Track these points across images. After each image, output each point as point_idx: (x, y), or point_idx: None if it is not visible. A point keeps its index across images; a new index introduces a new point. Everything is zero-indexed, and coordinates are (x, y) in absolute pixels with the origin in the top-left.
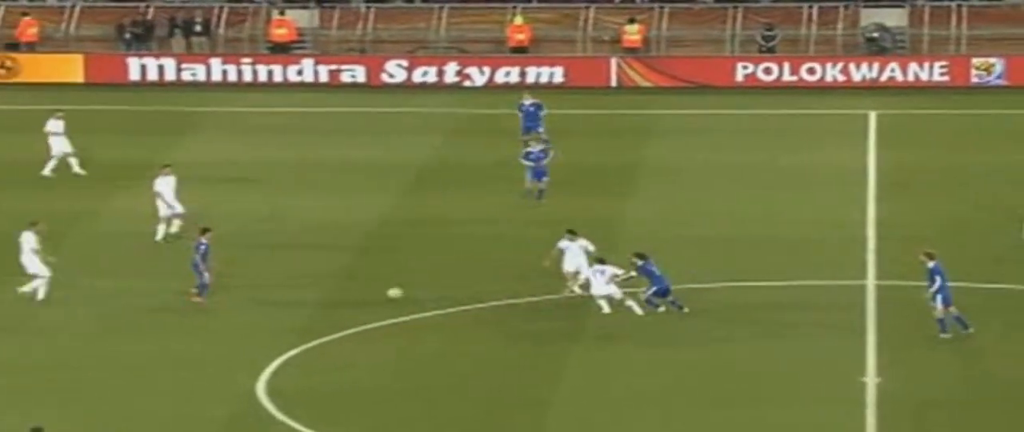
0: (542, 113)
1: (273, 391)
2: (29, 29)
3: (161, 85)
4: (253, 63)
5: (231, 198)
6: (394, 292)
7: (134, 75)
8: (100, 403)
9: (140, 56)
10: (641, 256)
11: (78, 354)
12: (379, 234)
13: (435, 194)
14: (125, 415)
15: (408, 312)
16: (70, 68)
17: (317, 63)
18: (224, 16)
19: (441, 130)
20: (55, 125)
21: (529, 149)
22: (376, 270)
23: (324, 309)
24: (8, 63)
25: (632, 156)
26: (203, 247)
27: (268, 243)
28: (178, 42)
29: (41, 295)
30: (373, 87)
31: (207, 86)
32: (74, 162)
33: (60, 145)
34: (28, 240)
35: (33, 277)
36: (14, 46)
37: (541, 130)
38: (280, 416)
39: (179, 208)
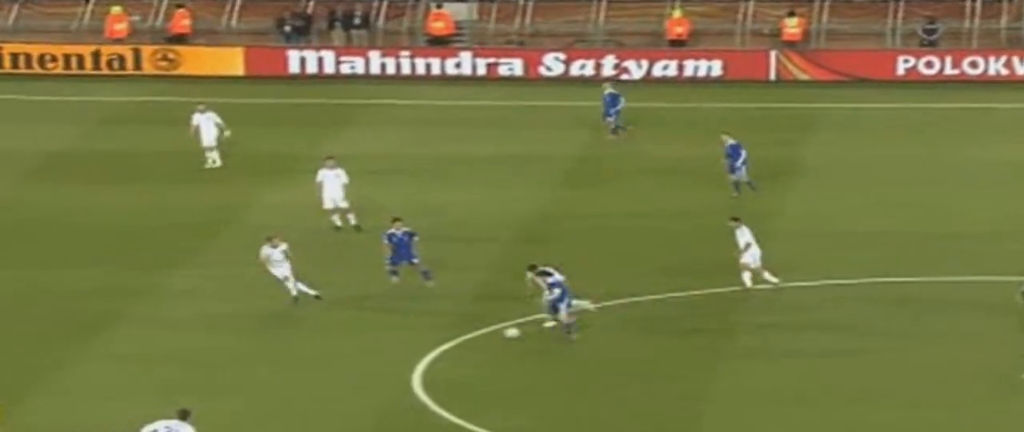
0: (618, 106)
1: (428, 384)
2: (182, 21)
3: (320, 78)
4: (411, 56)
5: (387, 191)
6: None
7: (293, 68)
8: (260, 395)
9: (300, 49)
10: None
11: (236, 348)
12: (535, 228)
13: (591, 188)
14: (283, 407)
15: None
16: (230, 61)
17: (475, 56)
18: (383, 9)
19: (597, 124)
20: (200, 119)
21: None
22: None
23: (479, 302)
24: (170, 56)
25: (790, 150)
26: (399, 236)
27: (425, 236)
28: (338, 35)
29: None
30: (531, 80)
31: (365, 79)
32: (212, 157)
33: (207, 137)
34: (269, 253)
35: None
36: (178, 39)
37: (610, 120)
38: (435, 408)
39: (342, 202)
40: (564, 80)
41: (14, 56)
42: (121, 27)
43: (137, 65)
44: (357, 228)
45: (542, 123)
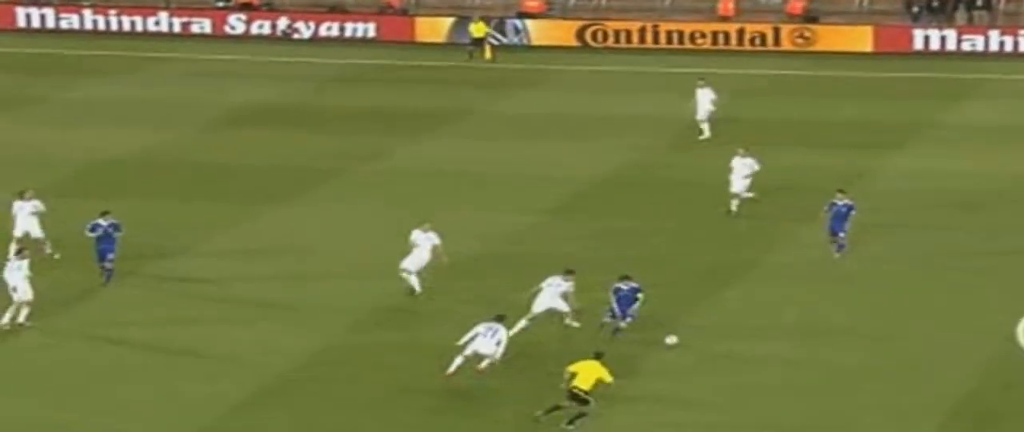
0: None
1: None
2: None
3: (942, 54)
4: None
5: (995, 159)
6: (671, 340)
7: (918, 45)
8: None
9: (924, 28)
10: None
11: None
12: None
13: None
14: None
15: None
16: (860, 38)
17: None
18: None
19: None
20: (698, 93)
21: None
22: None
23: None
24: (806, 34)
25: None
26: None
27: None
28: (961, 15)
29: None
30: None
31: (985, 56)
32: (705, 127)
33: (702, 110)
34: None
35: None
36: (814, 19)
37: None
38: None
39: None
40: None
41: (668, 33)
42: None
43: (776, 42)
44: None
45: None
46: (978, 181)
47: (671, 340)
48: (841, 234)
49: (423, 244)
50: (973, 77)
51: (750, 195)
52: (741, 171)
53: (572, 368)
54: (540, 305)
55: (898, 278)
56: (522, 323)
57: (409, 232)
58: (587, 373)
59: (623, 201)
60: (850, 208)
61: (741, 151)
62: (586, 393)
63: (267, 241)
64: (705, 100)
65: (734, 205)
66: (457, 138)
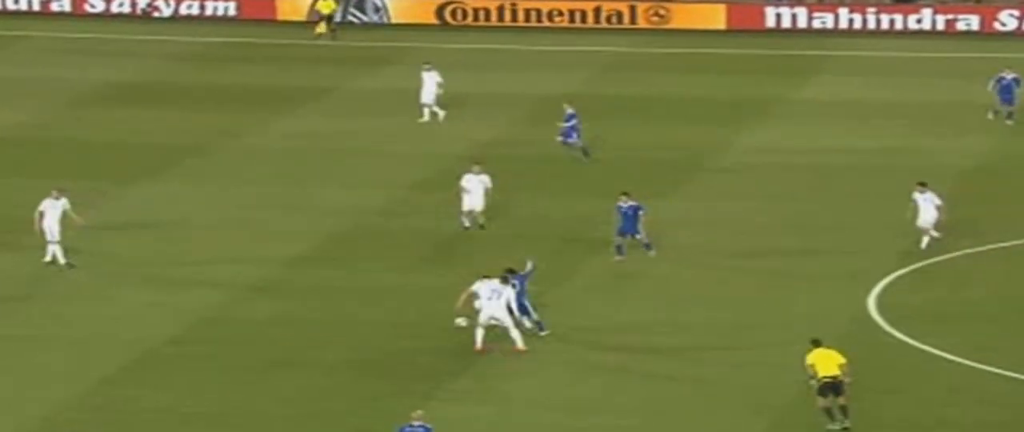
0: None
1: (882, 307)
2: None
3: (793, 32)
4: (877, 12)
5: (843, 134)
6: (460, 321)
7: (770, 22)
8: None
9: (776, 5)
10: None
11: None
12: (984, 170)
13: None
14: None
15: (1012, 238)
16: (713, 16)
17: (935, 13)
18: None
19: None
20: (424, 75)
21: None
22: (977, 201)
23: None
24: (661, 12)
25: None
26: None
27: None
28: None
29: None
30: (986, 35)
31: (834, 33)
32: (427, 111)
33: (428, 94)
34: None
35: None
36: None
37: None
38: (888, 328)
39: None
40: (1018, 34)
41: (527, 11)
42: None
43: (633, 20)
44: None
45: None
46: (826, 156)
47: (461, 322)
48: (639, 236)
49: (475, 187)
50: (823, 53)
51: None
52: (475, 189)
53: (809, 362)
54: (484, 315)
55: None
56: (461, 322)
57: (275, 206)
58: (826, 362)
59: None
60: (637, 209)
61: (475, 168)
62: (839, 379)
63: (136, 217)
64: (431, 83)
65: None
66: (318, 116)
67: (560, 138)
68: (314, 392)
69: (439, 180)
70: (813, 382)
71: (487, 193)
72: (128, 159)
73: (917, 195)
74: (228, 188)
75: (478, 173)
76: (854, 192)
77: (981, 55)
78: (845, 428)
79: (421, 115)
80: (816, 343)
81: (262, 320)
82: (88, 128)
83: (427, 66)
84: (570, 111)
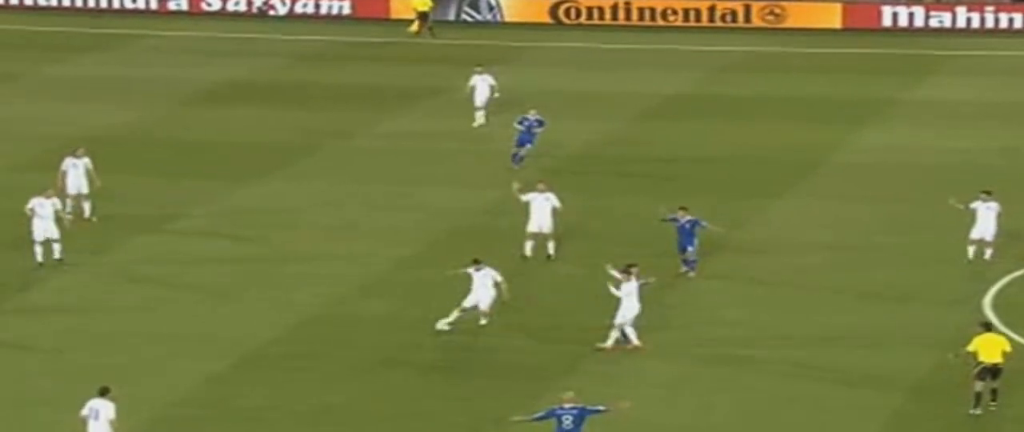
0: None
1: (998, 307)
2: None
3: (910, 30)
4: (995, 11)
5: (959, 135)
6: (442, 325)
7: (886, 21)
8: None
9: (893, 4)
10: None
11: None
12: None
13: None
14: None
15: None
16: (829, 15)
17: None
18: None
19: None
20: (476, 79)
21: None
22: None
23: None
24: (776, 11)
25: None
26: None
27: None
28: None
29: None
30: None
31: (951, 32)
32: (480, 115)
33: (480, 97)
34: None
35: None
36: None
37: None
38: (1004, 329)
39: None
40: None
41: (640, 10)
42: None
43: (747, 18)
44: None
45: None
46: (942, 156)
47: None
48: (690, 250)
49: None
50: (942, 53)
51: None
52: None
53: (972, 348)
54: (629, 313)
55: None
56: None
57: (384, 206)
58: (990, 347)
59: (601, 176)
60: (696, 224)
61: (541, 186)
62: (1000, 365)
63: (245, 217)
64: (483, 86)
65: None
66: (428, 116)
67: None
68: (416, 391)
69: (544, 179)
70: (972, 364)
71: (555, 213)
72: (238, 158)
73: (980, 204)
74: (337, 187)
75: (543, 191)
76: (970, 192)
77: None
78: (990, 410)
79: (474, 119)
80: (986, 326)
81: (368, 320)
82: (203, 127)
83: (479, 69)
84: (534, 117)
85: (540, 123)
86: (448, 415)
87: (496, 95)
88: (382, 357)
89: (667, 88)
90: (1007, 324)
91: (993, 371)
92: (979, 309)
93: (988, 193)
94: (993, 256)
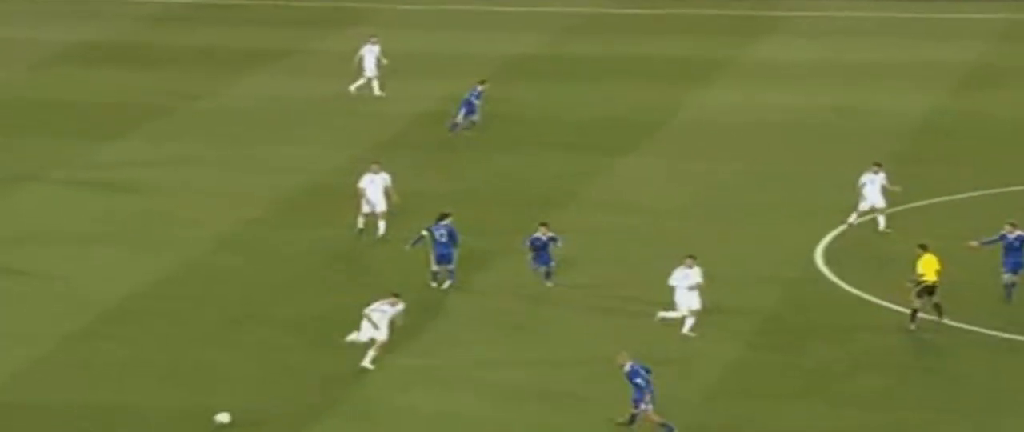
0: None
1: (829, 259)
2: None
3: None
4: None
5: (797, 94)
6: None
7: None
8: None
9: None
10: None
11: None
12: (931, 127)
13: (983, 93)
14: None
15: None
16: None
17: None
18: None
19: (986, 35)
20: (365, 49)
21: None
22: (929, 158)
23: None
24: None
25: None
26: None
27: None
28: None
29: None
30: None
31: None
32: (376, 85)
33: (368, 68)
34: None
35: None
36: None
37: None
38: (832, 277)
39: None
40: None
41: None
42: None
43: None
44: None
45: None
46: (784, 113)
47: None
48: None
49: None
50: (776, 14)
51: None
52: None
53: (920, 270)
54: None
55: None
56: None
57: (236, 167)
58: (928, 267)
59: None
60: (552, 240)
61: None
62: (935, 284)
63: (101, 175)
64: (370, 57)
65: None
66: (277, 77)
67: (463, 112)
68: (277, 345)
69: (396, 141)
70: (910, 285)
71: (387, 193)
72: (92, 119)
73: (869, 175)
74: (189, 147)
75: (377, 172)
76: (806, 150)
77: (938, 16)
78: (939, 322)
79: (371, 89)
80: (923, 248)
81: (224, 277)
82: (48, 89)
83: (374, 40)
84: (480, 88)
85: (479, 95)
86: (310, 367)
87: (384, 62)
88: (236, 315)
89: (513, 49)
90: (837, 275)
91: (930, 289)
92: (811, 262)
93: (878, 165)
94: (886, 224)
